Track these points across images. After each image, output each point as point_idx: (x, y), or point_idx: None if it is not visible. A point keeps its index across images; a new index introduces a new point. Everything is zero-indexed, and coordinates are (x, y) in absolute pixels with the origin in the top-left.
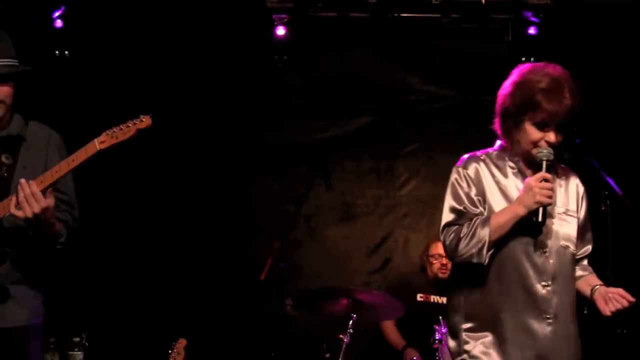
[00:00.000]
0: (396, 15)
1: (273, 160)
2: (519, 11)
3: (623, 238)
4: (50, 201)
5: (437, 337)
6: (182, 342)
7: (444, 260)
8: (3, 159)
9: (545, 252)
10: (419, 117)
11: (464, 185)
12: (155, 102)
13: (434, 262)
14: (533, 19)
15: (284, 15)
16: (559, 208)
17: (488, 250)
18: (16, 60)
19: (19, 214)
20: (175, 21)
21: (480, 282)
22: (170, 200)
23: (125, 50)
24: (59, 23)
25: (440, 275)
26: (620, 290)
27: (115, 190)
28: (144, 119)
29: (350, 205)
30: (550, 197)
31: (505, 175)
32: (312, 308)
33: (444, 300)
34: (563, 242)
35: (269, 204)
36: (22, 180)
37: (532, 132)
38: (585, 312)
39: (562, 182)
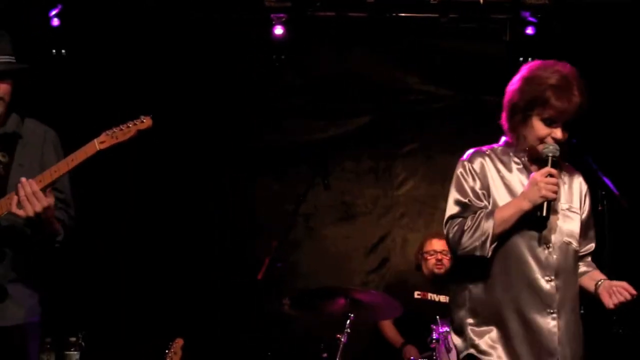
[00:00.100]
0: (395, 15)
1: (272, 160)
2: (517, 11)
3: (620, 238)
4: (50, 200)
5: (434, 337)
6: (179, 342)
7: (439, 256)
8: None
9: (549, 247)
10: (418, 117)
11: (469, 178)
12: (153, 101)
13: (429, 258)
14: (531, 19)
15: (282, 15)
16: (562, 204)
17: (491, 244)
18: (13, 58)
19: (20, 212)
20: (174, 20)
21: (484, 277)
22: (170, 200)
23: (123, 50)
24: (55, 22)
25: (436, 270)
26: (624, 284)
27: (115, 190)
28: (144, 120)
29: (349, 205)
30: (555, 192)
31: (510, 170)
32: (310, 308)
33: (441, 298)
34: (566, 238)
35: (268, 203)
36: (23, 179)
37: (540, 127)
38: (582, 311)
39: (566, 179)
